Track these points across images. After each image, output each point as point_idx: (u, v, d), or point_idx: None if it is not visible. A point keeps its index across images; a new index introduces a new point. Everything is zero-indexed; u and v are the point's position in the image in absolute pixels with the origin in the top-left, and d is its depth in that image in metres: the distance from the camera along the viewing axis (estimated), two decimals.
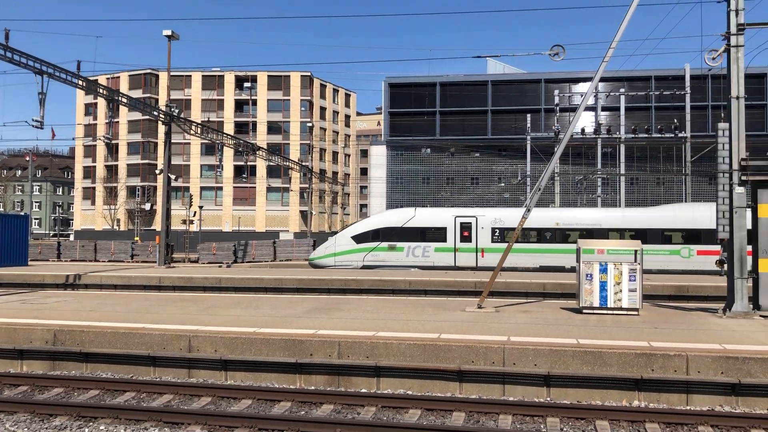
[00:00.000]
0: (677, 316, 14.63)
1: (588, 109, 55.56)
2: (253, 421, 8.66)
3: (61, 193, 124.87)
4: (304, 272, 27.74)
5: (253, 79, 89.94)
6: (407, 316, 14.30)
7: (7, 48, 23.43)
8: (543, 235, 30.04)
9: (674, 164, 59.14)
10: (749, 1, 21.68)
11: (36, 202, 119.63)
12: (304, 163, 71.63)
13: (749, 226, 14.37)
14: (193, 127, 36.89)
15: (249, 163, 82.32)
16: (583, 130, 41.49)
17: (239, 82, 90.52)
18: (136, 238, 65.10)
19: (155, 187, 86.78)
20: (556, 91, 44.53)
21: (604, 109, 61.14)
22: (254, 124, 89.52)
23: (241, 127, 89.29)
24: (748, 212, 14.47)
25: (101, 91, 30.27)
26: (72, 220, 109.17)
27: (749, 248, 14.34)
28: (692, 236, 28.80)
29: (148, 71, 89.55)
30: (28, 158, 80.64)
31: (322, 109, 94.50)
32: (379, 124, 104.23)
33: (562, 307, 16.39)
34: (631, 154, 58.77)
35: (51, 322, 12.98)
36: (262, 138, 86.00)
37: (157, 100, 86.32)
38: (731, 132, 14.45)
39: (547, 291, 22.26)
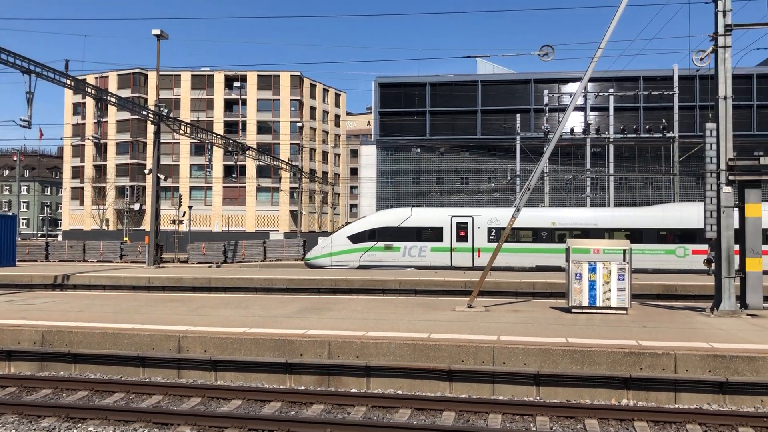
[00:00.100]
0: (665, 315, 14.72)
1: (577, 109, 55.78)
2: (243, 422, 8.64)
3: (49, 193, 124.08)
4: (294, 272, 27.70)
5: (243, 79, 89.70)
6: (397, 315, 14.31)
7: None
8: (539, 234, 30.08)
9: (662, 164, 59.48)
10: (737, 2, 21.84)
11: (24, 202, 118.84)
12: (294, 163, 71.54)
13: (737, 225, 14.47)
14: (183, 127, 36.75)
15: (239, 163, 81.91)
16: (572, 130, 41.66)
17: (229, 81, 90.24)
18: (125, 239, 64.78)
19: (144, 187, 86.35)
20: (546, 91, 44.69)
21: (593, 109, 61.40)
22: (244, 123, 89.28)
23: (230, 127, 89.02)
24: (736, 212, 14.57)
25: (90, 90, 30.10)
26: (60, 220, 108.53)
27: (737, 247, 14.45)
28: (687, 236, 28.93)
29: (137, 71, 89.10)
30: (15, 158, 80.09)
31: (312, 109, 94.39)
32: (369, 123, 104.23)
33: (552, 306, 16.45)
34: (620, 154, 59.11)
35: (39, 323, 12.91)
36: (251, 138, 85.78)
37: (146, 100, 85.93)
38: (719, 132, 14.55)
39: (537, 290, 22.33)
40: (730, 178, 14.42)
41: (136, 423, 8.87)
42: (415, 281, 23.51)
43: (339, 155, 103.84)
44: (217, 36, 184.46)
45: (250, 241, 47.37)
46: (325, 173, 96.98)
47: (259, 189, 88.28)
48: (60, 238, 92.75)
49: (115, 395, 10.28)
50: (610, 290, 14.42)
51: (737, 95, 15.59)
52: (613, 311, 14.58)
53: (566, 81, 66.33)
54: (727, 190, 14.43)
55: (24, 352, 12.14)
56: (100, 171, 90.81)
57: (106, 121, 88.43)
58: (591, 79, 58.14)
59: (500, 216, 30.56)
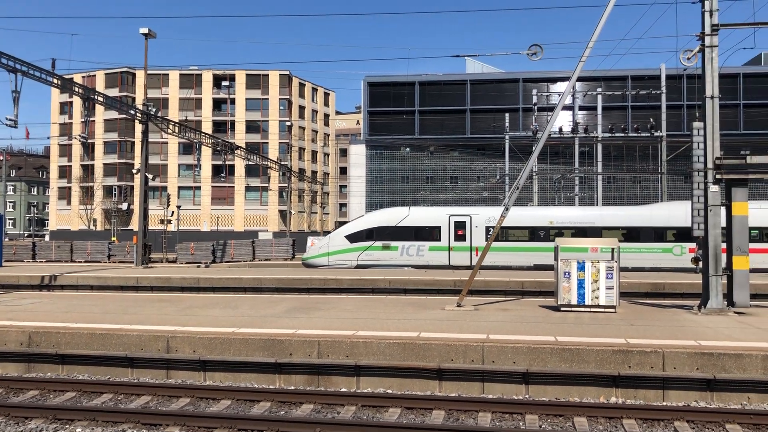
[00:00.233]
0: (654, 313, 14.80)
1: (565, 108, 56.01)
2: (232, 422, 8.61)
3: (36, 192, 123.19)
4: (283, 272, 27.64)
5: (231, 78, 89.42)
6: (387, 315, 14.31)
7: None
8: (537, 233, 30.07)
9: (650, 163, 59.84)
10: (723, 2, 22.00)
11: (10, 202, 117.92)
12: (283, 163, 71.37)
13: (724, 224, 14.58)
14: (171, 126, 36.59)
15: (227, 163, 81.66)
16: (560, 129, 41.83)
17: (217, 80, 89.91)
18: (113, 239, 64.41)
19: (132, 187, 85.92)
20: (534, 91, 44.85)
21: (581, 108, 61.60)
22: (232, 123, 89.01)
23: (219, 126, 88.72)
24: (723, 210, 14.68)
25: (77, 89, 29.91)
26: (47, 220, 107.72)
27: (724, 246, 14.55)
28: (684, 234, 28.99)
29: (125, 70, 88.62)
30: (1, 157, 79.49)
31: (301, 108, 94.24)
32: (358, 123, 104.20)
33: (541, 305, 16.50)
34: (608, 153, 59.45)
35: (26, 324, 12.81)
36: (240, 137, 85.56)
37: (133, 99, 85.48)
38: (706, 131, 14.64)
39: (526, 289, 22.40)
40: (717, 176, 14.52)
41: (125, 424, 8.83)
42: (404, 280, 23.52)
43: (328, 154, 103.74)
44: (206, 35, 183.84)
45: (239, 240, 47.22)
46: (314, 172, 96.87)
47: (248, 188, 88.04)
48: (47, 238, 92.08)
49: (103, 396, 10.22)
50: (598, 289, 14.49)
51: (724, 94, 15.71)
52: (602, 309, 14.64)
53: (555, 80, 66.63)
54: (714, 188, 14.53)
55: (10, 353, 12.04)
56: (88, 171, 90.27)
57: (94, 121, 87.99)
58: (579, 79, 58.36)
59: (498, 215, 30.56)
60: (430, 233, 30.83)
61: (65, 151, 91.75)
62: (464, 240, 30.47)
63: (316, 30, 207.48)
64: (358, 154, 72.87)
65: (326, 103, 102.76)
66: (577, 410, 9.04)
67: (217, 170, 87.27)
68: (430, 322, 13.15)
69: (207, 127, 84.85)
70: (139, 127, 35.55)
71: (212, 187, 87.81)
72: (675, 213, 29.30)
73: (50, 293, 21.45)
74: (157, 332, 11.82)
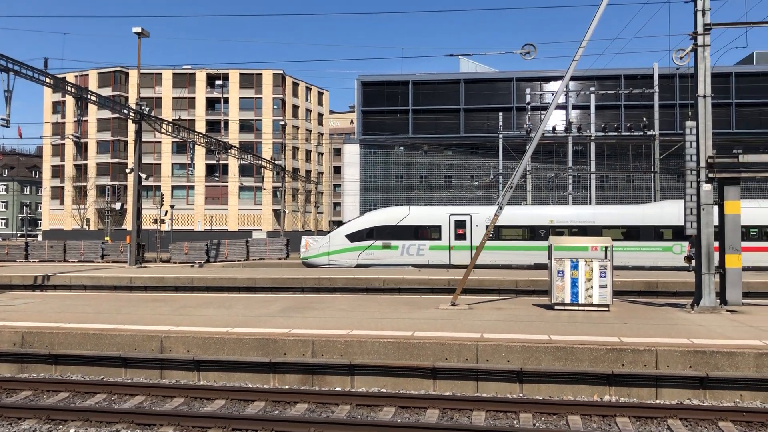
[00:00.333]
0: (647, 311, 14.85)
1: (559, 107, 56.13)
2: (226, 422, 8.60)
3: (28, 192, 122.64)
4: (277, 271, 27.62)
5: (225, 77, 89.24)
6: (381, 314, 14.31)
7: None
8: (537, 232, 30.06)
9: (643, 162, 60.03)
10: (716, 2, 22.06)
11: (2, 201, 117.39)
12: (276, 162, 71.28)
13: (716, 222, 14.63)
14: (164, 126, 36.48)
15: (221, 162, 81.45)
16: (554, 128, 41.92)
17: (211, 80, 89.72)
18: (107, 238, 64.21)
19: (125, 187, 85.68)
20: (528, 90, 44.90)
21: (574, 107, 61.80)
22: (226, 122, 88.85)
23: (212, 126, 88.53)
24: (716, 209, 14.73)
25: (69, 88, 29.78)
26: (40, 220, 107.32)
27: (717, 244, 14.61)
28: (684, 233, 29.10)
29: (118, 69, 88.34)
30: None
31: (295, 108, 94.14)
32: (352, 122, 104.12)
33: (535, 303, 16.54)
34: (602, 152, 59.59)
35: (19, 324, 12.76)
36: (234, 136, 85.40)
37: (127, 98, 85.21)
38: (698, 130, 14.69)
39: (520, 288, 22.43)
40: (710, 175, 14.58)
41: (119, 424, 8.80)
42: (399, 279, 23.52)
43: (322, 154, 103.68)
44: (199, 34, 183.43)
45: (233, 240, 47.15)
46: (308, 172, 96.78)
47: (242, 188, 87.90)
48: (40, 238, 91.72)
49: (96, 396, 10.19)
50: (592, 287, 14.52)
51: (716, 93, 15.77)
52: (595, 308, 14.68)
53: (548, 79, 66.74)
54: (706, 187, 14.58)
55: (3, 353, 11.99)
56: (81, 170, 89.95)
57: (87, 120, 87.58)
58: (572, 78, 58.52)
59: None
60: (430, 232, 30.81)
61: (58, 150, 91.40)
62: (465, 239, 30.44)
63: (309, 29, 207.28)
64: (352, 153, 72.81)
65: (320, 103, 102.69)
66: (571, 408, 9.07)
67: (210, 170, 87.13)
68: (425, 321, 13.16)
69: (200, 127, 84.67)
70: (132, 127, 35.41)
71: (206, 186, 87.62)
72: (674, 212, 29.34)
73: (43, 293, 21.37)
74: (151, 332, 11.79)
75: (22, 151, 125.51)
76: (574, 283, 14.57)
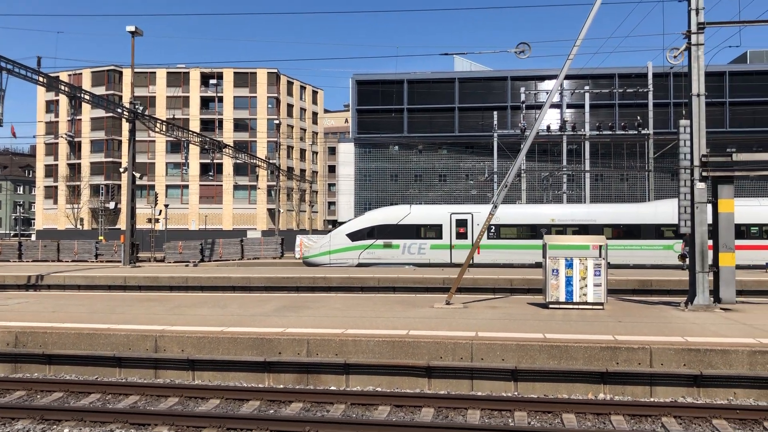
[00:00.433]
0: (641, 309, 14.89)
1: (553, 106, 56.21)
2: (221, 421, 8.58)
3: (22, 192, 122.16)
4: (272, 270, 27.59)
5: (219, 76, 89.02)
6: (376, 313, 14.31)
7: None
8: (538, 231, 30.05)
9: (637, 161, 60.17)
10: (709, 1, 22.15)
11: None
12: (271, 161, 71.20)
13: (710, 221, 14.68)
14: (158, 125, 36.39)
15: (215, 161, 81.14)
16: (548, 127, 41.96)
17: (205, 79, 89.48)
18: (101, 238, 63.98)
19: (119, 186, 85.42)
20: (522, 89, 44.99)
21: (569, 106, 61.74)
22: (220, 121, 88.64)
23: (207, 125, 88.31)
24: (709, 207, 14.78)
25: (63, 87, 29.67)
26: (34, 219, 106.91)
27: (710, 243, 14.66)
28: None
29: (112, 68, 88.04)
30: None
31: (290, 106, 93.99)
32: (346, 121, 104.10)
33: (529, 302, 16.56)
34: (596, 150, 59.68)
35: (12, 324, 12.71)
36: (228, 135, 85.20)
37: (120, 97, 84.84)
38: (692, 129, 14.74)
39: (515, 287, 22.48)
40: (704, 174, 14.62)
41: (113, 424, 8.78)
42: (393, 278, 23.53)
43: (317, 153, 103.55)
44: (193, 33, 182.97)
45: (228, 239, 47.06)
46: (302, 171, 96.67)
47: (237, 187, 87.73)
48: (33, 237, 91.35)
49: (91, 396, 10.16)
50: (586, 286, 14.55)
51: (710, 92, 15.82)
52: (590, 306, 14.71)
53: (543, 78, 66.82)
54: (700, 186, 14.63)
55: None
56: (75, 169, 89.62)
57: (80, 119, 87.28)
58: (567, 77, 58.57)
59: (499, 213, 30.40)
60: (431, 231, 30.81)
61: (51, 149, 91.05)
62: (466, 238, 30.42)
63: (304, 28, 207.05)
64: (346, 152, 72.77)
65: (314, 102, 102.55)
66: (566, 407, 9.08)
67: (205, 169, 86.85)
68: (420, 320, 13.17)
69: (195, 126, 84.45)
70: (126, 126, 35.29)
71: (200, 185, 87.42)
72: (675, 210, 29.39)
73: (37, 293, 21.29)
74: (146, 332, 11.76)
75: (15, 150, 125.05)
76: (569, 281, 14.60)
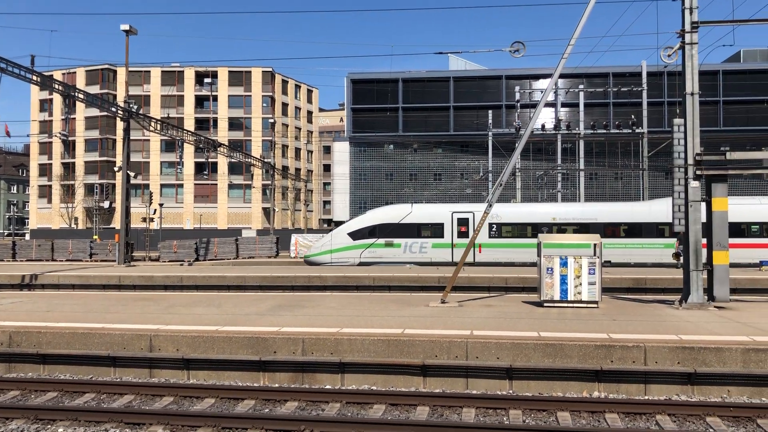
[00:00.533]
0: (635, 308, 14.93)
1: (548, 105, 56.30)
2: (216, 420, 8.57)
3: (15, 191, 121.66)
4: (267, 269, 27.57)
5: (214, 75, 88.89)
6: (371, 312, 14.32)
7: None
8: (540, 230, 30.04)
9: (632, 159, 60.33)
10: (703, 0, 22.19)
11: None
12: (266, 160, 71.13)
13: (704, 219, 14.72)
14: (153, 124, 36.31)
15: (210, 160, 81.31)
16: (543, 126, 42.02)
17: (199, 77, 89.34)
18: (95, 237, 63.80)
19: (114, 185, 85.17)
20: (517, 88, 45.07)
21: (563, 105, 62.01)
22: (215, 120, 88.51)
23: (201, 124, 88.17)
24: (703, 206, 14.82)
25: (57, 86, 29.58)
26: (27, 218, 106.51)
27: (704, 241, 14.71)
28: None
29: (106, 66, 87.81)
30: None
31: (284, 105, 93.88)
32: (341, 120, 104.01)
33: (524, 300, 16.59)
34: (590, 149, 59.84)
35: (6, 324, 12.66)
36: (223, 134, 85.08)
37: (115, 96, 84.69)
38: (686, 128, 14.78)
39: (510, 285, 22.50)
40: (698, 172, 14.66)
41: (108, 423, 8.76)
42: (388, 277, 23.53)
43: (312, 152, 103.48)
44: (187, 32, 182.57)
45: (223, 238, 47.01)
46: (297, 170, 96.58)
47: (231, 186, 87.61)
48: (27, 237, 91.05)
49: (85, 396, 10.13)
50: (581, 284, 14.58)
51: (704, 91, 15.87)
52: (584, 305, 14.74)
53: (537, 77, 66.93)
54: (694, 184, 14.67)
55: None
56: (69, 168, 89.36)
57: (74, 118, 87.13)
58: (561, 76, 58.71)
59: (501, 212, 30.51)
60: (433, 230, 30.80)
61: (45, 148, 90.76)
62: (467, 236, 30.39)
63: (299, 27, 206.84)
64: (341, 151, 72.76)
65: (309, 100, 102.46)
66: (561, 405, 9.10)
67: (199, 168, 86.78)
68: (415, 318, 13.18)
69: (189, 125, 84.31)
70: (120, 125, 35.20)
71: (195, 184, 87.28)
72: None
73: (31, 293, 21.23)
74: (140, 331, 11.74)
75: (8, 149, 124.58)
76: (563, 280, 14.63)
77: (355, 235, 31.16)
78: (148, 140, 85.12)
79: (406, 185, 70.06)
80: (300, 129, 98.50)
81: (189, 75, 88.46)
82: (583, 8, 15.23)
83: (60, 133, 72.97)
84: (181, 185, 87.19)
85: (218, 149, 43.60)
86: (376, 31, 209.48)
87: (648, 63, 41.62)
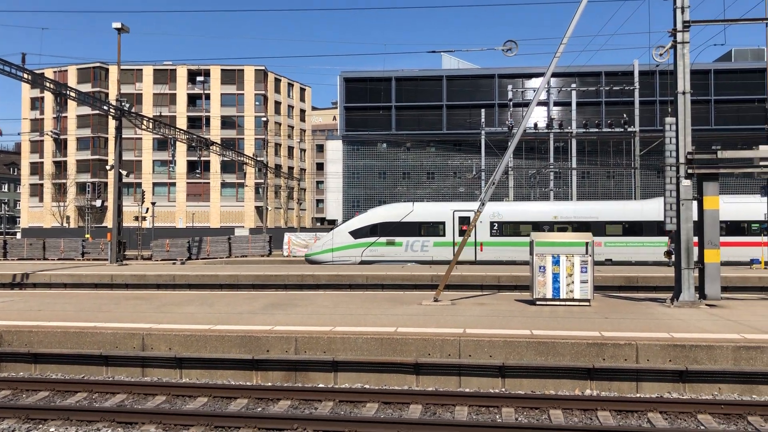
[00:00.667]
0: (627, 306, 14.99)
1: (540, 104, 56.40)
2: (208, 419, 8.56)
3: (6, 189, 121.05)
4: (260, 268, 27.53)
5: (206, 73, 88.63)
6: (364, 310, 14.32)
7: None
8: (541, 228, 30.16)
9: (624, 158, 60.51)
10: None
11: None
12: (259, 159, 71.01)
13: (696, 217, 14.79)
14: (145, 122, 36.18)
15: (202, 159, 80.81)
16: (535, 124, 42.09)
17: (192, 76, 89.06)
18: (87, 236, 63.53)
19: (106, 184, 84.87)
20: (510, 86, 45.16)
21: (556, 104, 62.14)
22: (207, 118, 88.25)
23: (194, 122, 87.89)
24: (695, 204, 14.89)
25: (48, 84, 29.43)
26: (19, 217, 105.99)
27: (696, 239, 14.77)
28: None
29: (98, 65, 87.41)
30: None
31: (277, 104, 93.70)
32: (334, 118, 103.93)
33: (517, 299, 16.63)
34: (583, 148, 59.96)
35: None
36: (215, 133, 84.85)
37: (107, 95, 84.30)
38: (678, 126, 14.84)
39: (502, 283, 22.55)
40: (689, 171, 14.73)
41: (100, 423, 8.73)
42: (381, 276, 23.54)
43: (305, 150, 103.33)
44: (180, 30, 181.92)
45: (215, 237, 46.93)
46: (290, 168, 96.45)
47: (224, 185, 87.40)
48: (19, 236, 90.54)
49: (77, 395, 10.10)
50: (573, 282, 14.63)
51: (696, 90, 15.93)
52: (576, 303, 14.80)
53: (530, 76, 67.02)
54: (686, 183, 14.73)
55: None
56: (60, 167, 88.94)
57: (66, 116, 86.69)
58: (554, 75, 58.80)
59: (502, 210, 30.61)
60: (434, 229, 30.86)
61: (37, 147, 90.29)
62: (469, 235, 30.41)
63: (291, 25, 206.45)
64: (334, 149, 72.73)
65: (302, 99, 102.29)
66: (553, 403, 9.13)
67: (192, 166, 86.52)
68: (408, 317, 13.19)
69: (182, 123, 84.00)
70: (112, 123, 35.05)
71: (187, 183, 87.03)
72: None
73: (22, 292, 21.13)
74: (133, 330, 11.71)
75: None
76: (556, 278, 14.67)
77: (357, 233, 31.19)
78: (141, 139, 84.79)
79: (399, 184, 70.08)
80: (293, 127, 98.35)
81: (181, 73, 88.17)
82: (575, 7, 15.28)
83: (51, 132, 72.66)
84: (174, 184, 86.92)
85: (211, 148, 43.50)
86: (369, 30, 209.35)
87: (640, 62, 41.75)
